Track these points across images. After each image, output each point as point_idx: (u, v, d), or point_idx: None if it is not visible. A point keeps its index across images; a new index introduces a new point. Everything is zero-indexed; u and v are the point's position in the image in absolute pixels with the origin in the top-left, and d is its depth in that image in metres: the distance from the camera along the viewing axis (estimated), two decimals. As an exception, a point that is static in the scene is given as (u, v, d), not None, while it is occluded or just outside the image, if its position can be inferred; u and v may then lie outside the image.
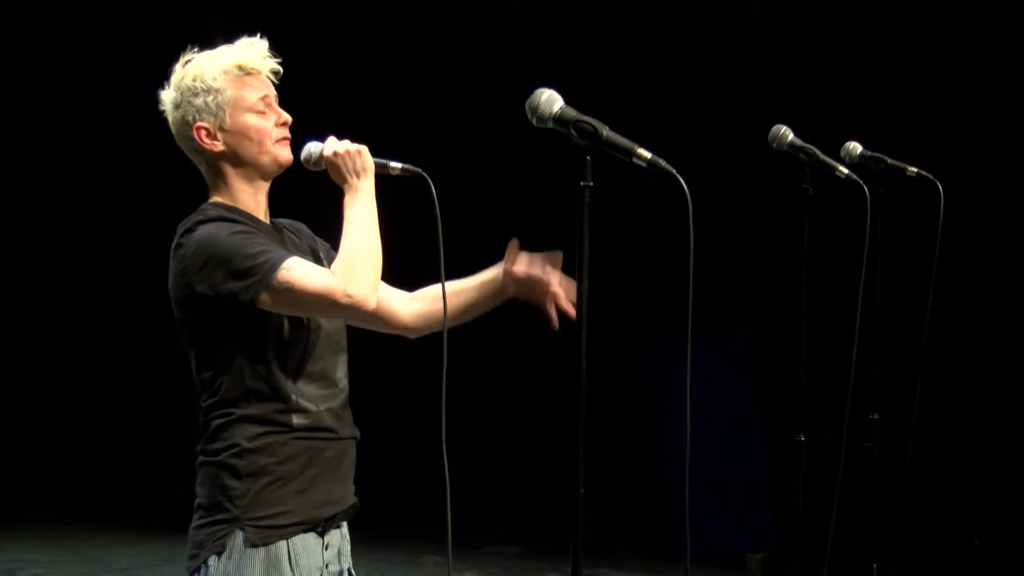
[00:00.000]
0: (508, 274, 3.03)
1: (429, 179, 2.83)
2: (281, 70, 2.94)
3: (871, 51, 8.19)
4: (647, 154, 2.64)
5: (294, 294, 2.71)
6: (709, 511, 7.90)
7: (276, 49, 2.95)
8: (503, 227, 10.71)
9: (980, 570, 7.75)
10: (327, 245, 3.02)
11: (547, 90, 2.69)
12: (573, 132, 2.64)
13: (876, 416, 4.52)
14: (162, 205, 10.06)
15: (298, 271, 2.73)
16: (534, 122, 2.69)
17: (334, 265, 2.76)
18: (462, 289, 3.04)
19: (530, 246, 3.04)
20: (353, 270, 2.73)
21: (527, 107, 2.69)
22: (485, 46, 9.69)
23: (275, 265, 2.72)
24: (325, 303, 2.73)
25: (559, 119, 2.66)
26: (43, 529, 9.04)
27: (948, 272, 6.63)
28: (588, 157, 2.64)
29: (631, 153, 2.64)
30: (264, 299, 2.72)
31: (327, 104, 8.76)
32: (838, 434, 4.11)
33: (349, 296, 2.71)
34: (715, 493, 8.02)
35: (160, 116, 2.95)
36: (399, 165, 2.89)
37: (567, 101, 2.68)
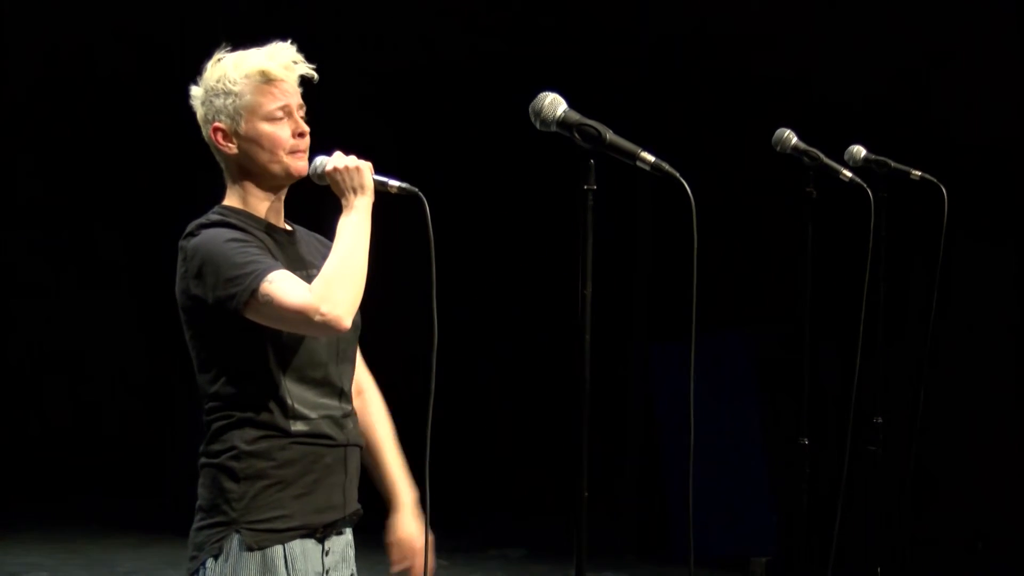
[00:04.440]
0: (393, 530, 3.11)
1: (424, 199, 2.83)
2: (316, 76, 2.94)
3: (875, 55, 8.19)
4: (651, 157, 2.64)
5: (273, 308, 2.72)
6: (713, 514, 7.89)
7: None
8: (505, 230, 10.70)
9: (985, 574, 7.74)
10: None
11: (551, 94, 2.69)
12: (577, 136, 2.64)
13: (880, 420, 4.52)
14: (163, 206, 10.08)
15: (279, 285, 2.73)
16: (537, 126, 2.69)
17: (313, 283, 2.75)
18: (376, 462, 3.11)
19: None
20: (329, 289, 2.72)
21: (530, 111, 2.69)
22: (486, 48, 9.69)
23: (259, 277, 2.73)
24: (299, 320, 2.72)
25: (563, 123, 2.66)
26: (47, 532, 9.04)
27: (952, 275, 6.63)
28: (592, 161, 2.64)
29: (635, 156, 2.64)
30: (248, 309, 2.73)
31: (327, 105, 8.75)
32: (842, 437, 4.11)
33: (322, 315, 2.70)
34: (719, 496, 8.01)
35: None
36: (397, 184, 2.89)
37: (570, 105, 2.69)
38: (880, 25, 8.14)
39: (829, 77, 8.26)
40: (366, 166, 2.86)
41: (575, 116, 2.66)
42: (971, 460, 7.89)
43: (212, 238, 2.80)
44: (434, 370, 2.81)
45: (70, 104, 10.56)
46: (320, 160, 2.89)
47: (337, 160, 2.87)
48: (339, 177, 2.85)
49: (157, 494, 10.03)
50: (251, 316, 2.74)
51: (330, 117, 2.97)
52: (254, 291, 2.71)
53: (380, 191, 2.88)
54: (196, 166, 9.75)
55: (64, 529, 9.15)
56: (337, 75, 2.97)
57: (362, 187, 2.84)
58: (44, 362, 10.90)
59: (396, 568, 3.12)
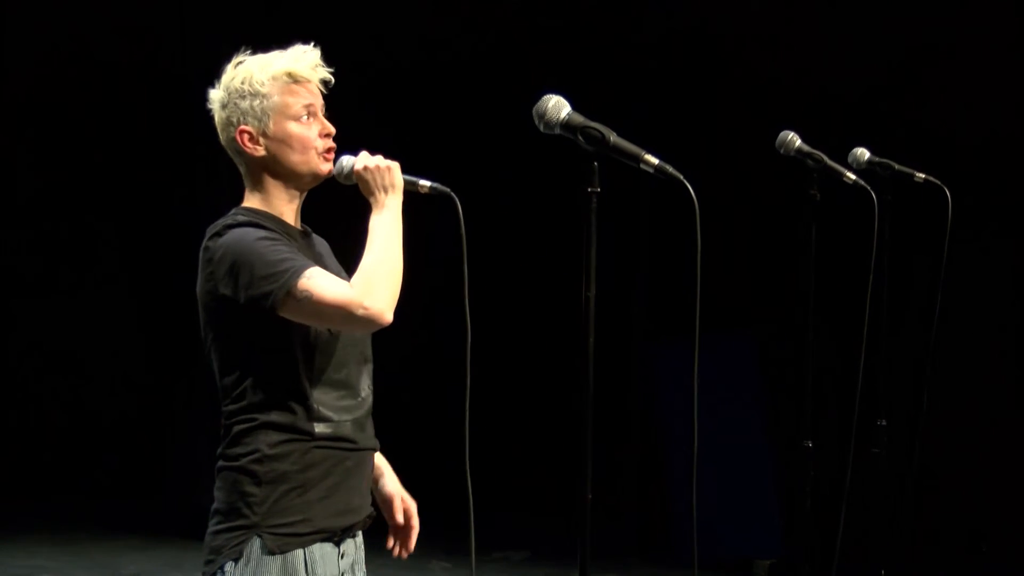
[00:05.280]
0: (386, 500, 3.12)
1: (457, 199, 2.83)
2: (332, 80, 2.94)
3: (878, 56, 8.18)
4: (654, 160, 2.64)
5: (312, 303, 2.72)
6: (716, 516, 7.88)
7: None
8: (508, 231, 10.68)
9: (987, 575, 7.74)
10: (341, 268, 3.02)
11: (554, 96, 2.69)
12: (580, 138, 2.64)
13: (884, 422, 4.52)
14: (164, 206, 10.07)
15: (318, 281, 2.73)
16: (541, 128, 2.69)
17: (354, 278, 2.76)
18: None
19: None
20: (371, 284, 2.73)
21: (534, 113, 2.69)
22: (486, 48, 9.68)
23: (296, 273, 2.73)
24: (342, 315, 2.73)
25: (566, 125, 2.66)
26: (52, 534, 9.03)
27: (955, 277, 6.64)
28: (595, 163, 2.64)
29: (638, 159, 2.64)
30: (284, 307, 2.73)
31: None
32: (845, 440, 4.11)
33: (365, 309, 2.71)
34: (722, 498, 8.00)
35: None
36: (428, 183, 2.89)
37: (574, 107, 2.68)
38: (880, 24, 8.13)
39: (833, 79, 8.24)
40: (395, 165, 2.87)
41: (579, 119, 2.66)
42: (974, 461, 7.88)
43: (242, 237, 2.79)
44: (468, 370, 2.83)
45: (70, 102, 10.54)
46: (347, 160, 2.90)
47: (367, 159, 2.87)
48: (369, 176, 2.85)
49: (157, 495, 10.02)
50: (286, 313, 2.74)
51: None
52: (291, 288, 2.71)
53: (410, 191, 2.88)
54: (196, 165, 9.81)
55: (67, 531, 9.14)
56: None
57: (392, 186, 2.85)
58: (44, 362, 10.89)
59: (399, 516, 3.14)
